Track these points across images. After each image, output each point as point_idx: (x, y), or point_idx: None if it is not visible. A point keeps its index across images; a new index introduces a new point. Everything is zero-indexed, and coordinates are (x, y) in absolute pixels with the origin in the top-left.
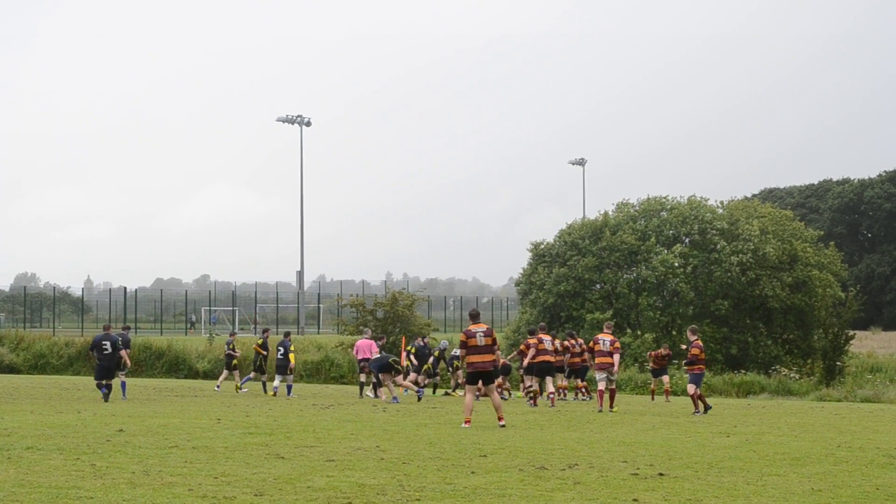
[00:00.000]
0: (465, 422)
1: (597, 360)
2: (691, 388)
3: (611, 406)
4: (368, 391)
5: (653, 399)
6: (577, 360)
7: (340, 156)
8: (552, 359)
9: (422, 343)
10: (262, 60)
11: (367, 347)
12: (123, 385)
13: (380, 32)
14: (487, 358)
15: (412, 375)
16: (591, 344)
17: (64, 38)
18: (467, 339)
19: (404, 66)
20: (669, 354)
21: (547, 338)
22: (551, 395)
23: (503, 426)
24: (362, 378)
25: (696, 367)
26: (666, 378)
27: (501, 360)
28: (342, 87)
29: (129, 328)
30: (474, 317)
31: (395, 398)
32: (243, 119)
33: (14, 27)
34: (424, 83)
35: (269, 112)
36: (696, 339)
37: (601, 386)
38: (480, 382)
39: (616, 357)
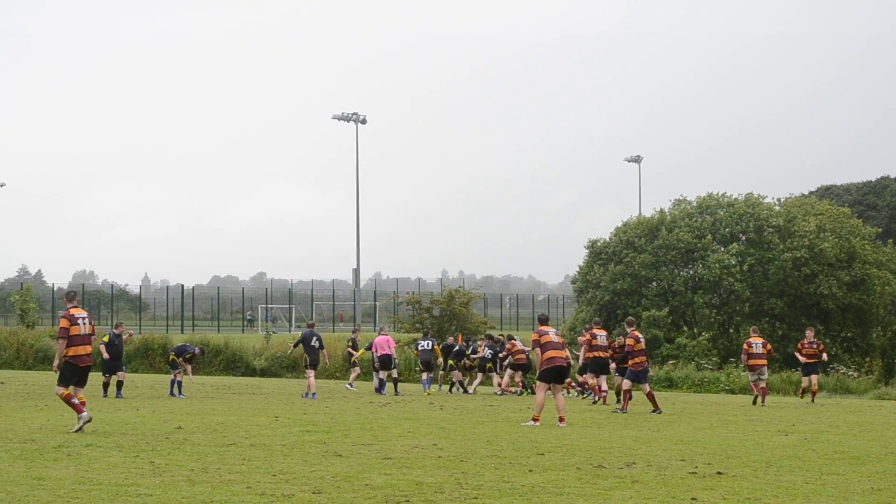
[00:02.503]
0: (534, 419)
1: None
2: (626, 384)
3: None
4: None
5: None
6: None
7: (399, 155)
8: (605, 354)
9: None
10: (324, 59)
11: (384, 344)
12: (179, 384)
13: (438, 33)
14: (563, 354)
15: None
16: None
17: (133, 37)
18: (540, 337)
19: (463, 67)
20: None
21: (601, 333)
22: (604, 394)
23: (562, 426)
24: (381, 375)
25: (633, 361)
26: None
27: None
28: (402, 87)
29: (204, 352)
30: (543, 321)
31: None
32: (305, 118)
33: (87, 27)
34: (482, 83)
35: (330, 111)
36: (632, 330)
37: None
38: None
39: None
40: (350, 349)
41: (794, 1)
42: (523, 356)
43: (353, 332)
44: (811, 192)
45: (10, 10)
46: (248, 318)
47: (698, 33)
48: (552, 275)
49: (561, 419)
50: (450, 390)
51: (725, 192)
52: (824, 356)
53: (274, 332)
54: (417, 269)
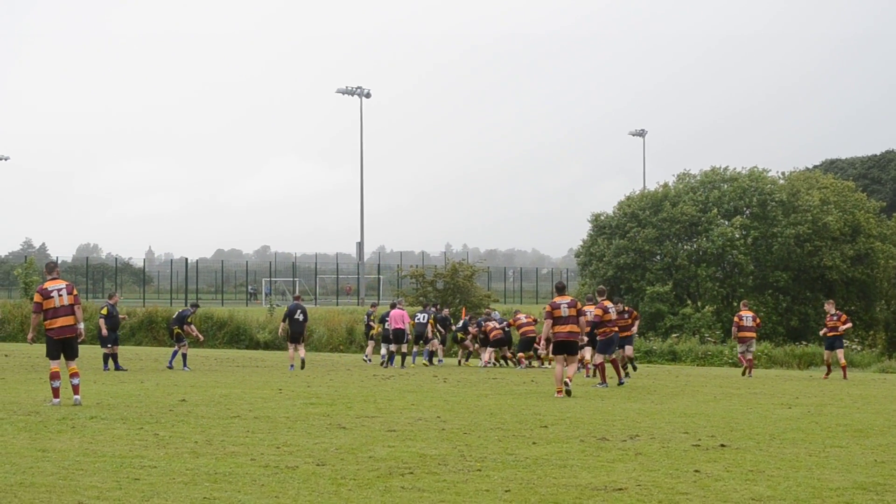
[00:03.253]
0: (558, 392)
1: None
2: (598, 358)
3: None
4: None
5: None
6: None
7: (405, 130)
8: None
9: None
10: (331, 34)
11: (399, 317)
12: (184, 356)
13: (444, 9)
14: (573, 329)
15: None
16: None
17: (141, 14)
18: (552, 309)
19: (468, 43)
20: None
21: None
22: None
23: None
24: (392, 348)
25: (602, 331)
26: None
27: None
28: (409, 63)
29: (196, 305)
30: (560, 289)
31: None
32: (313, 93)
33: (94, 4)
34: (487, 59)
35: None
36: (602, 300)
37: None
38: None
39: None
40: (370, 322)
41: None
42: (531, 328)
43: (372, 306)
44: (816, 166)
45: None
46: (251, 291)
47: (704, 8)
48: (556, 248)
49: (559, 391)
50: (430, 361)
51: (729, 166)
52: (841, 328)
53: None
54: (421, 243)
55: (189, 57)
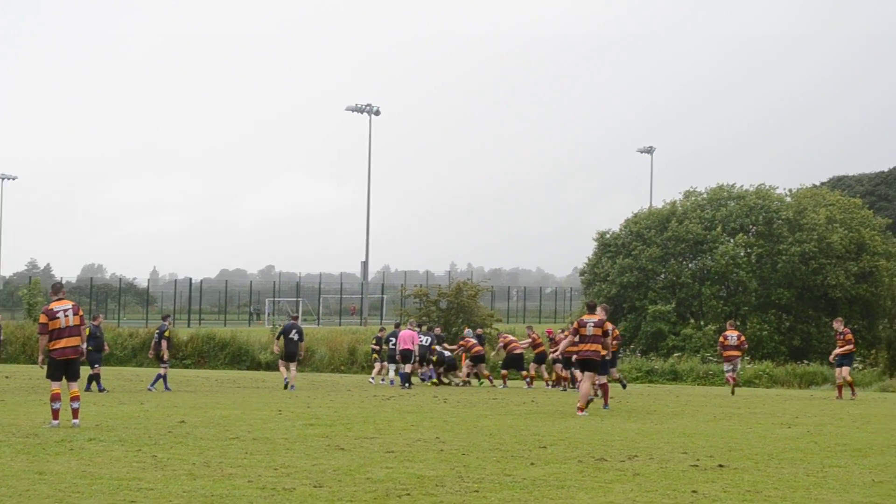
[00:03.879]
0: (579, 409)
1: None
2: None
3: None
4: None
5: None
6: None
7: (410, 147)
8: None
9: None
10: (338, 50)
11: (409, 338)
12: (165, 378)
13: (452, 25)
14: (593, 347)
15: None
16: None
17: (146, 32)
18: (579, 327)
19: (475, 59)
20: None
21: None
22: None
23: (582, 415)
24: (407, 369)
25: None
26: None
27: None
28: (414, 79)
29: (168, 316)
30: (591, 307)
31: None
32: (321, 110)
33: (100, 22)
34: (494, 75)
35: (345, 102)
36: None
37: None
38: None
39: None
40: (374, 346)
41: None
42: (516, 344)
43: (380, 330)
44: (823, 183)
45: (24, 4)
46: (252, 311)
47: (710, 24)
48: (561, 267)
49: (579, 408)
50: (439, 381)
51: (736, 184)
52: (842, 348)
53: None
54: (426, 262)
55: (195, 75)
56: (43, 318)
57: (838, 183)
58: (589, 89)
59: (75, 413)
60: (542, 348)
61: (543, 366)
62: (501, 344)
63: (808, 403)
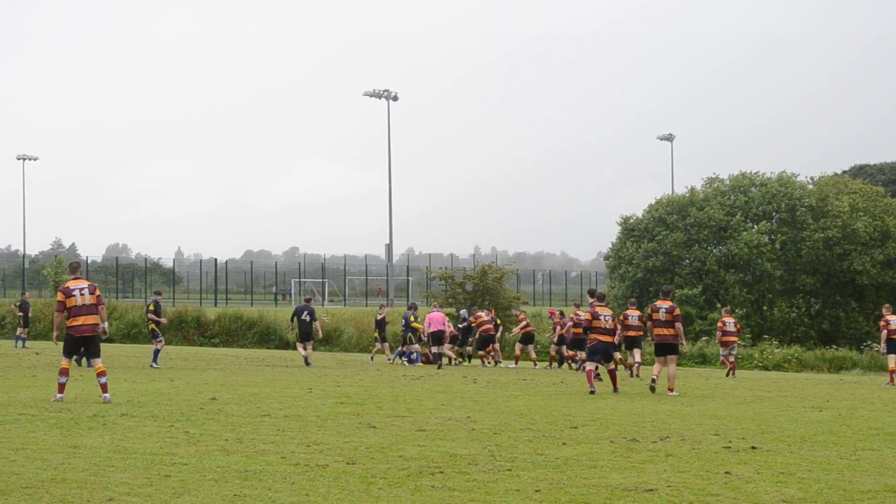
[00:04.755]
0: (669, 391)
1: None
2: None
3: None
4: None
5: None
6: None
7: (436, 132)
8: (637, 333)
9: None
10: (364, 37)
11: (439, 320)
12: (156, 352)
13: (475, 12)
14: (669, 332)
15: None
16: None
17: (176, 16)
18: (652, 312)
19: (499, 45)
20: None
21: (635, 314)
22: (637, 364)
23: (673, 395)
24: (436, 349)
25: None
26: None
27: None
28: (438, 66)
29: (160, 293)
30: (665, 293)
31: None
32: (346, 97)
33: (133, 8)
34: (518, 62)
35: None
36: (593, 302)
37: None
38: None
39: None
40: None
41: None
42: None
43: (381, 308)
44: (845, 171)
45: None
46: (276, 291)
47: (731, 12)
48: (585, 251)
49: (670, 389)
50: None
51: (758, 171)
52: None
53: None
54: (450, 245)
55: (220, 63)
56: (60, 296)
57: (860, 172)
58: (611, 77)
59: (104, 388)
60: (529, 329)
61: (531, 346)
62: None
63: (839, 387)
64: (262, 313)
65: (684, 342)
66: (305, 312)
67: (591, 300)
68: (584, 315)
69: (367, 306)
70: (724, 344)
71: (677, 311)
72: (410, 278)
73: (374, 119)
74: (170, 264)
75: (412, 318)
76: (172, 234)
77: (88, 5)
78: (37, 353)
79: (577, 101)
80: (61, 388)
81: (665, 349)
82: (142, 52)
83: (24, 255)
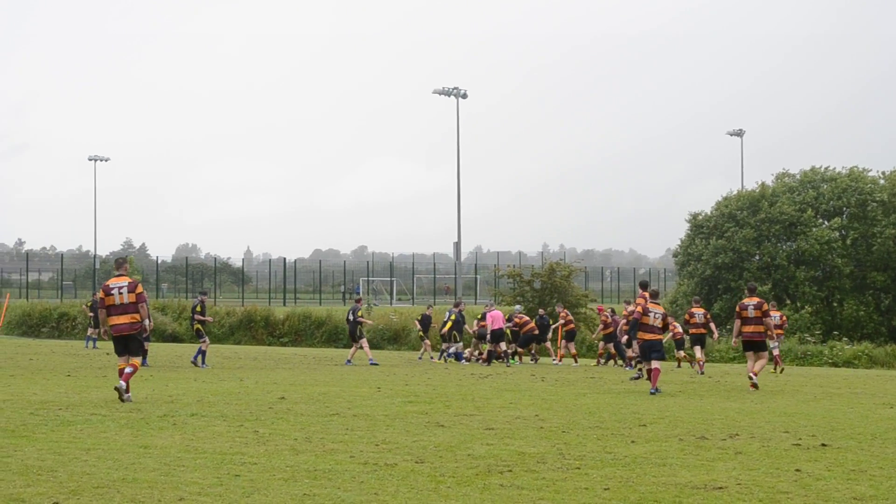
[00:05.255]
0: (751, 385)
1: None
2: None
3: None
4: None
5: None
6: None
7: (505, 131)
8: (702, 331)
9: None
10: (430, 37)
11: (500, 318)
12: (203, 353)
13: (545, 10)
14: (757, 328)
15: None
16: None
17: (248, 25)
18: (740, 311)
19: (568, 43)
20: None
21: (699, 311)
22: (701, 363)
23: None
24: (503, 346)
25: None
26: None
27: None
28: (507, 64)
29: (205, 293)
30: (751, 290)
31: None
32: (412, 95)
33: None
34: (583, 59)
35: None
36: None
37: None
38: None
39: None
40: (420, 325)
41: None
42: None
43: (428, 308)
44: None
45: None
46: (343, 290)
47: (795, 5)
48: (653, 248)
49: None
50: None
51: (829, 166)
52: None
53: (375, 305)
54: (518, 243)
55: (289, 66)
56: (101, 294)
57: None
58: (678, 73)
59: (125, 376)
60: (571, 326)
61: (573, 343)
62: (513, 323)
63: None
64: (331, 312)
65: (775, 337)
66: (350, 312)
67: (641, 292)
68: (632, 308)
69: (434, 305)
70: (694, 338)
71: (765, 307)
72: (478, 276)
73: (443, 118)
74: (239, 264)
75: (453, 317)
76: (242, 233)
77: (168, 8)
78: (107, 354)
79: (644, 98)
80: (122, 377)
81: (753, 346)
82: (214, 54)
83: (94, 256)
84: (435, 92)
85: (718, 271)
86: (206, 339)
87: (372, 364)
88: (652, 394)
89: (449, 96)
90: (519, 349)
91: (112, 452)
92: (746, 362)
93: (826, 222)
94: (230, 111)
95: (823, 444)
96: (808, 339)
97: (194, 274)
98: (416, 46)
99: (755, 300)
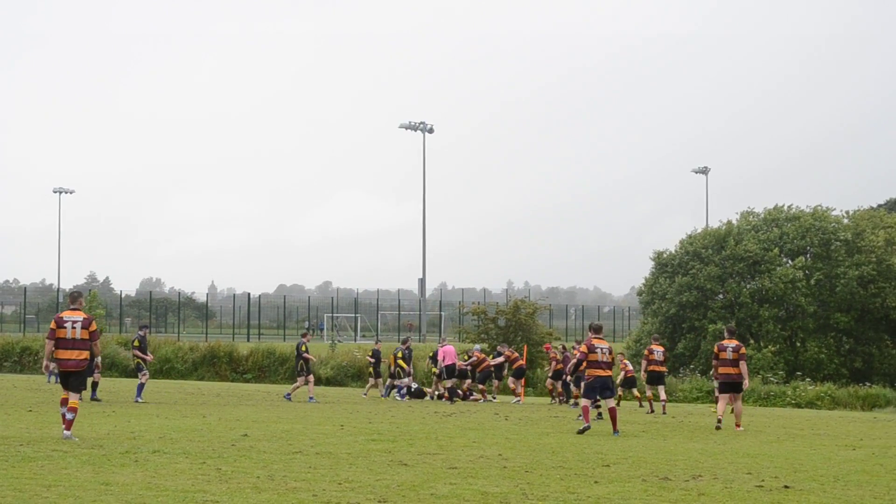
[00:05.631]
0: (737, 426)
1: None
2: (583, 401)
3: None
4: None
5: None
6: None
7: (470, 168)
8: (661, 368)
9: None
10: (396, 71)
11: (452, 354)
12: (141, 386)
13: (511, 48)
14: (735, 370)
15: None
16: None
17: (213, 46)
18: (719, 351)
19: (534, 82)
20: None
21: (659, 349)
22: (663, 403)
23: (740, 430)
24: (449, 383)
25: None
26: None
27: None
28: (473, 101)
29: (146, 326)
30: (731, 332)
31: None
32: (383, 130)
33: (168, 42)
34: (550, 98)
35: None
36: (594, 337)
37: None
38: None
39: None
40: (371, 359)
41: (854, 7)
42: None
43: (377, 343)
44: (880, 205)
45: (91, 15)
46: (307, 326)
47: (765, 48)
48: (618, 286)
49: (737, 425)
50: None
51: (793, 205)
52: None
53: (339, 342)
54: (483, 280)
55: (253, 97)
56: (52, 325)
57: None
58: (645, 113)
59: (68, 424)
60: (519, 363)
61: (522, 380)
62: (474, 359)
63: (872, 425)
64: (295, 348)
65: (748, 381)
66: (296, 347)
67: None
68: (580, 348)
69: (398, 341)
70: (652, 375)
71: (743, 350)
72: (443, 313)
73: (410, 153)
74: (203, 298)
75: (399, 354)
76: (206, 267)
77: (137, 39)
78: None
79: (611, 137)
80: (64, 423)
81: (731, 387)
82: (177, 88)
83: (58, 290)
84: (401, 126)
85: (683, 310)
86: (147, 372)
87: (311, 401)
88: (615, 435)
89: (415, 131)
90: (479, 386)
91: (73, 489)
92: (716, 403)
93: (790, 261)
94: (197, 143)
95: (786, 486)
96: (771, 379)
97: (158, 308)
98: (385, 81)
99: (734, 342)
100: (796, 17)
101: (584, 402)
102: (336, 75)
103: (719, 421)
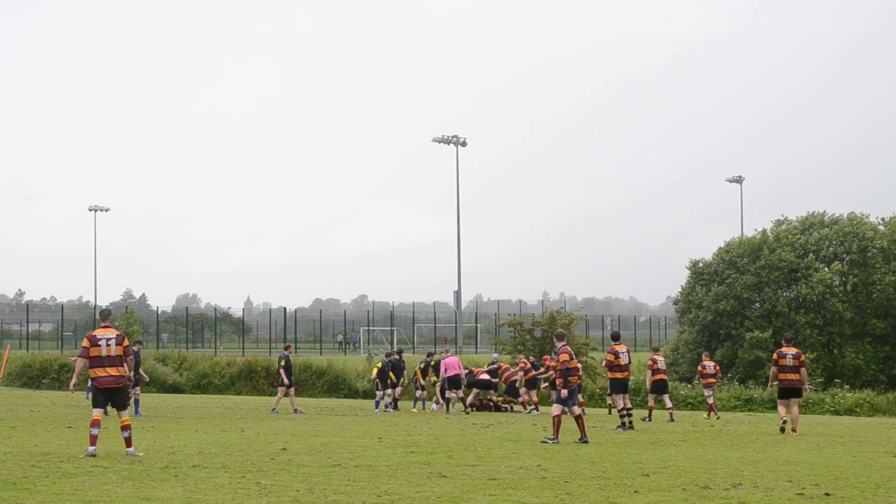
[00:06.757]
0: (793, 431)
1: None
2: (555, 409)
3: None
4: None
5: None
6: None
7: (505, 181)
8: (664, 377)
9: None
10: (435, 87)
11: (455, 365)
12: (137, 401)
13: (546, 64)
14: (795, 376)
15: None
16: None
17: (248, 62)
18: (778, 358)
19: (569, 97)
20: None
21: (661, 358)
22: (670, 410)
23: (795, 435)
24: (456, 394)
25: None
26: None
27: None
28: (511, 115)
29: (140, 342)
30: (787, 340)
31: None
32: (414, 144)
33: (203, 64)
34: (586, 113)
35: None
36: (564, 345)
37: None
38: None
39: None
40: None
41: (889, 8)
42: (511, 372)
43: (387, 355)
44: None
45: (133, 32)
46: (340, 340)
47: (799, 55)
48: (654, 296)
49: (793, 430)
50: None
51: (826, 211)
52: None
53: (375, 355)
54: (519, 292)
55: (289, 112)
56: (85, 343)
57: None
58: (678, 123)
59: (128, 442)
60: (532, 374)
61: (534, 391)
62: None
63: None
64: (331, 362)
65: (808, 386)
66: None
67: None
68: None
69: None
70: (707, 386)
71: (803, 357)
72: (479, 325)
73: (446, 168)
74: (239, 314)
75: (422, 366)
76: (242, 283)
77: (176, 71)
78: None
79: (645, 148)
80: (93, 440)
81: (790, 392)
82: (213, 106)
83: (95, 307)
84: (435, 140)
85: (719, 318)
86: (138, 387)
87: (296, 412)
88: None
89: (448, 144)
90: (521, 398)
91: None
92: (777, 409)
93: (826, 268)
94: (235, 168)
95: (827, 494)
96: (810, 386)
97: (194, 324)
98: (423, 98)
99: (793, 350)
100: (828, 23)
101: (555, 410)
102: (374, 96)
103: (784, 422)
